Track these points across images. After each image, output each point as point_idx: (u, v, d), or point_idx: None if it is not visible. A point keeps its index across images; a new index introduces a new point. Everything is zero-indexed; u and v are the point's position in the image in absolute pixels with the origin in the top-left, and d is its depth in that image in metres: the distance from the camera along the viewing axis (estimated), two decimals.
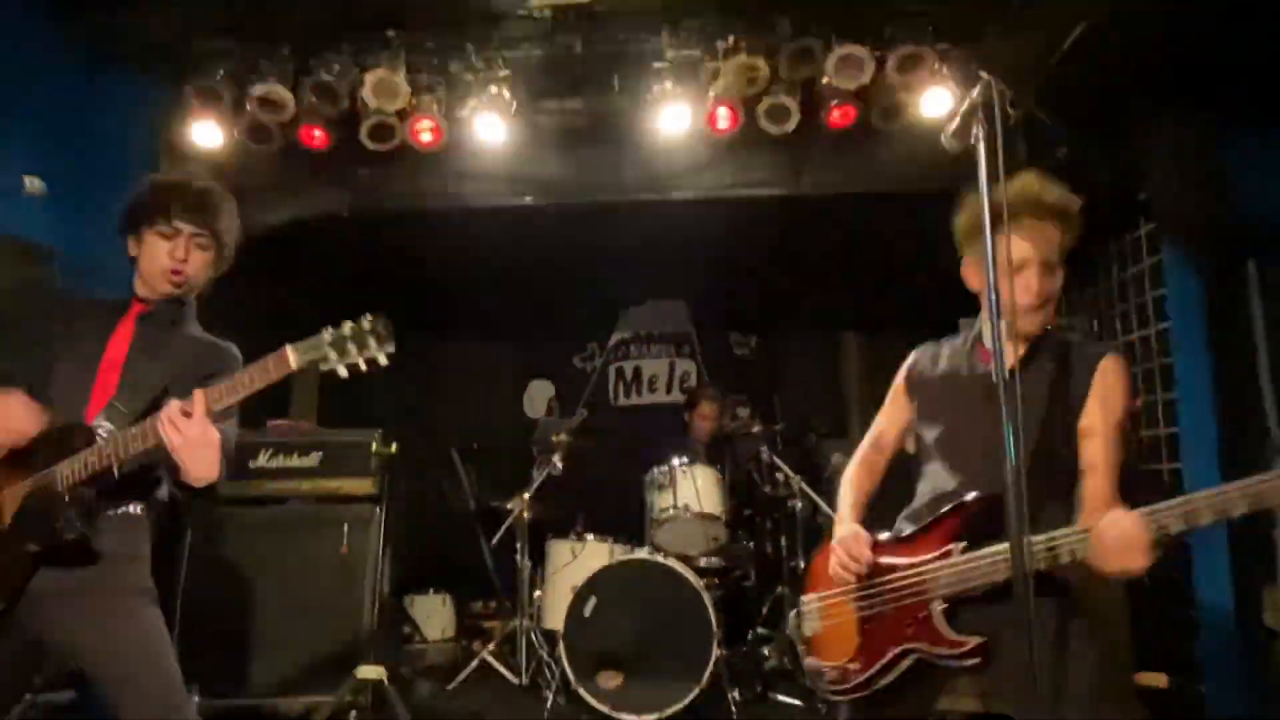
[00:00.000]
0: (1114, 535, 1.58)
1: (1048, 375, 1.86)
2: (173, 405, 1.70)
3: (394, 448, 3.91)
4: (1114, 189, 3.92)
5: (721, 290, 5.95)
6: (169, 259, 1.99)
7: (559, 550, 4.21)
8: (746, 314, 6.27)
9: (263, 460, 3.91)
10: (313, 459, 3.91)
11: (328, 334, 1.60)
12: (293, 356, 1.62)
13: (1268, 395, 3.42)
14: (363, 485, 3.84)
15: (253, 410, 4.12)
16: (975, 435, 1.87)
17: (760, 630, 4.37)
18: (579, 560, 4.08)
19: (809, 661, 1.99)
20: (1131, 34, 3.24)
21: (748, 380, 6.09)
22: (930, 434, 2.00)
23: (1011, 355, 1.88)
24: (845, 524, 2.05)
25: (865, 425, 2.21)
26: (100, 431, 1.79)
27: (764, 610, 4.52)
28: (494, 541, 4.52)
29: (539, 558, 4.33)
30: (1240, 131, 3.44)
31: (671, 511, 4.02)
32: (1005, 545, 1.64)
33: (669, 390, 6.43)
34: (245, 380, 1.70)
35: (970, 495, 1.85)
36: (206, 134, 3.83)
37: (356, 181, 4.17)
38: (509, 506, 4.41)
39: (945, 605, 1.81)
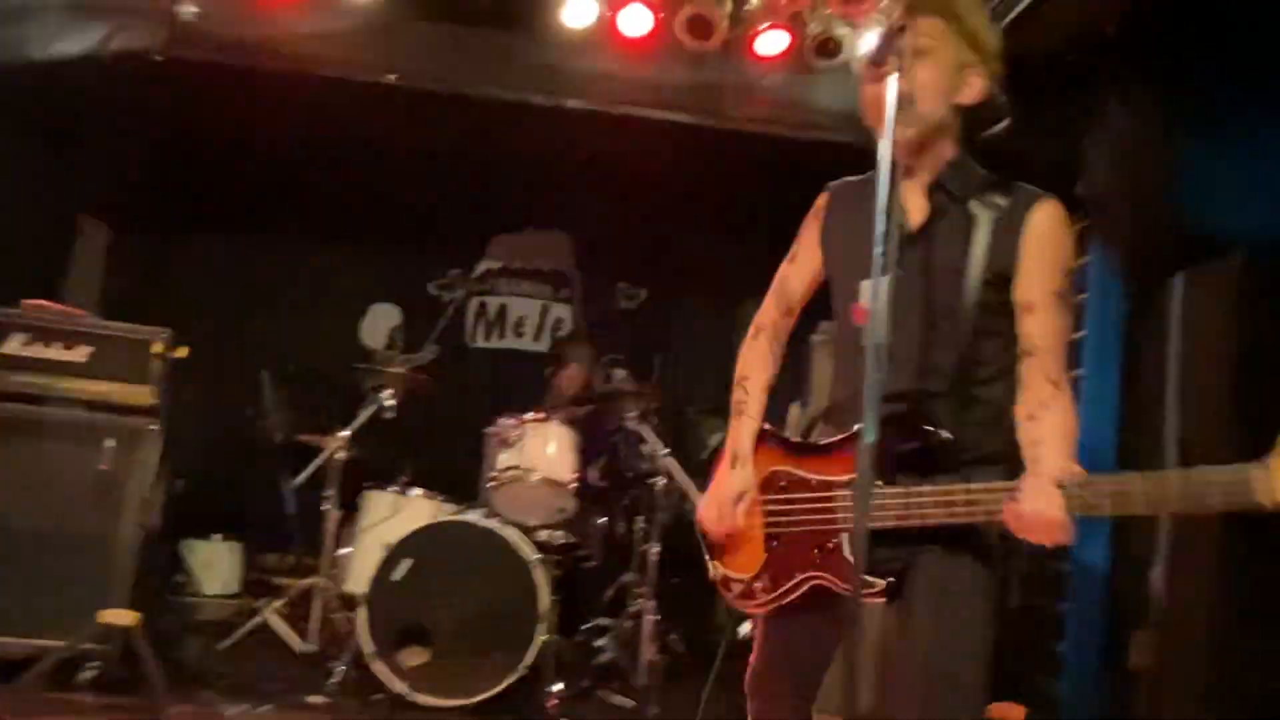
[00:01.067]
0: (1031, 512, 1.62)
1: (962, 233, 1.83)
2: None
3: (183, 352, 3.82)
4: (1049, 176, 4.21)
5: (614, 229, 6.03)
6: None
7: (376, 502, 4.22)
8: (640, 262, 6.38)
9: (14, 346, 3.75)
10: (79, 354, 3.78)
11: None
12: None
13: (1170, 420, 3.78)
14: (138, 394, 3.75)
15: (7, 289, 3.98)
16: (904, 311, 1.83)
17: (600, 620, 4.52)
18: (398, 517, 4.10)
19: (714, 568, 2.04)
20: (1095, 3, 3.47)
21: (630, 338, 6.21)
22: (849, 305, 1.96)
23: (917, 209, 1.89)
24: (738, 458, 1.99)
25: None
26: None
27: (606, 597, 4.67)
28: (297, 482, 4.49)
29: (351, 509, 4.33)
30: (1194, 131, 3.73)
31: (514, 472, 4.07)
32: (927, 490, 1.73)
33: (537, 336, 6.49)
34: None
35: (890, 409, 1.78)
36: None
37: (177, 16, 4.00)
38: (322, 444, 4.38)
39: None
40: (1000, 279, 1.83)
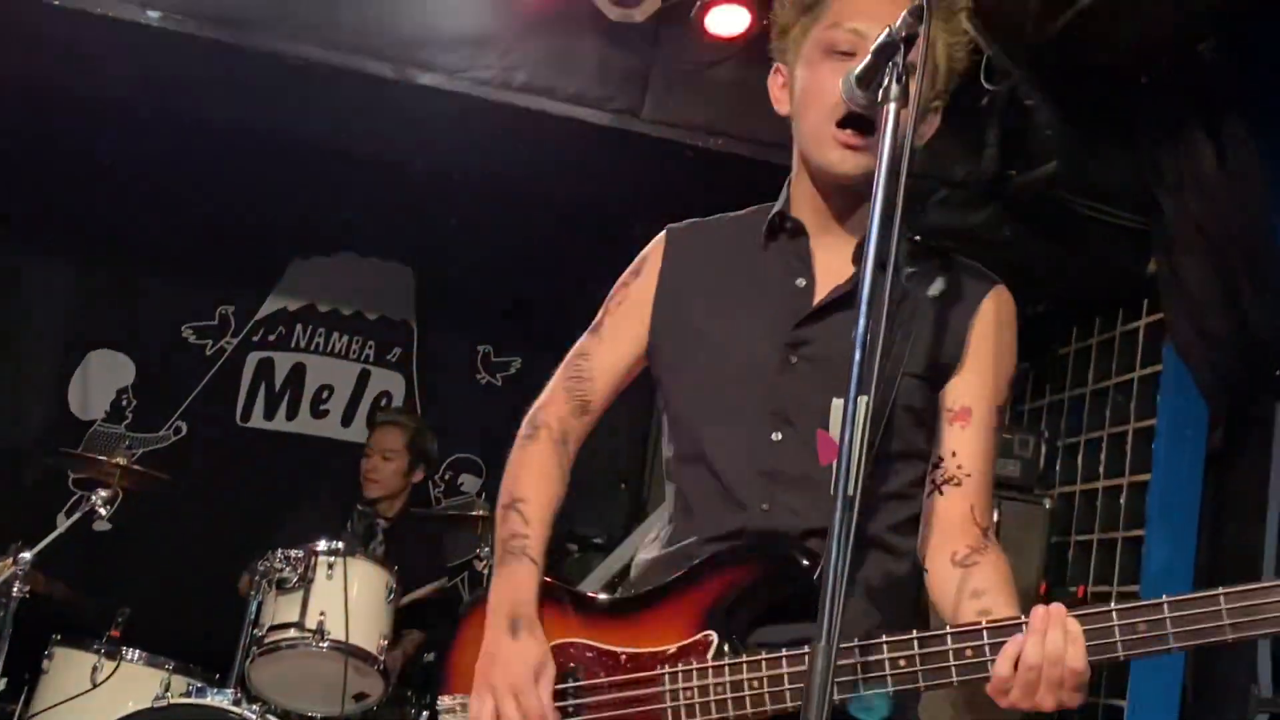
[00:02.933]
0: (1054, 653, 1.63)
1: (893, 310, 1.83)
2: None
3: None
4: (1109, 242, 4.40)
5: (478, 264, 6.03)
6: None
7: (68, 667, 4.14)
8: (515, 315, 6.40)
9: None
10: None
11: None
12: None
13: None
14: None
15: None
16: (769, 413, 1.92)
17: None
18: (103, 690, 4.03)
19: None
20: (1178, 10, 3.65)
21: (493, 428, 6.17)
22: (681, 400, 2.04)
23: (835, 266, 1.97)
24: (520, 622, 1.96)
25: None
26: None
27: None
28: None
29: (28, 676, 4.24)
30: None
31: (291, 634, 4.00)
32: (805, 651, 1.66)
33: (348, 417, 6.43)
34: None
35: (734, 540, 1.89)
36: None
37: None
38: None
39: None
40: (937, 377, 1.94)
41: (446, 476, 6.32)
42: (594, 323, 2.15)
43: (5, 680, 4.19)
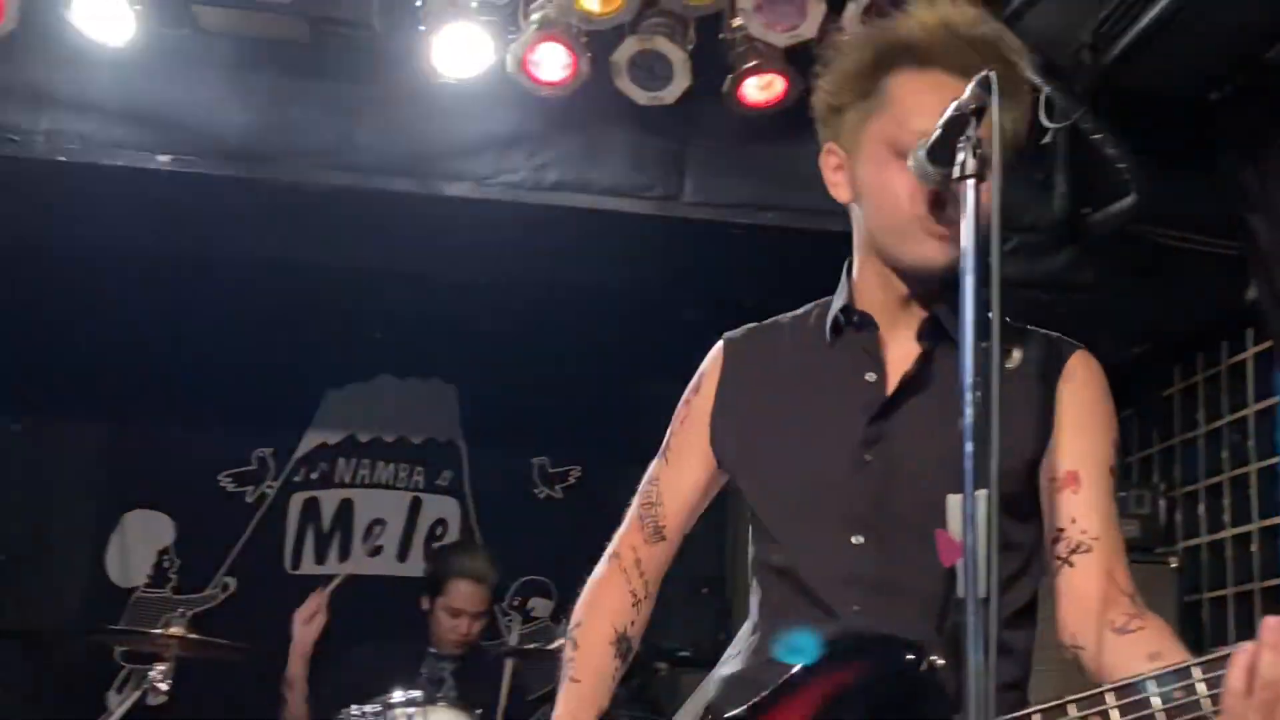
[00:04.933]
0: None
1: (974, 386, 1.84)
2: None
3: None
4: (1201, 272, 4.41)
5: (523, 371, 6.09)
6: None
7: None
8: (568, 422, 6.41)
9: None
10: None
11: None
12: None
13: None
14: None
15: None
16: (849, 518, 1.96)
17: None
18: None
19: None
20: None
21: (556, 546, 6.20)
22: (760, 508, 2.09)
23: (904, 354, 2.02)
24: None
25: None
26: None
27: None
28: None
29: None
30: None
31: None
32: None
33: (404, 551, 6.47)
34: None
35: (835, 647, 1.91)
36: None
37: None
38: None
39: None
40: (1033, 454, 1.97)
41: (516, 602, 6.34)
42: (663, 445, 2.24)
43: None
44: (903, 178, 1.90)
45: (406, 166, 4.28)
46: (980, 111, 1.74)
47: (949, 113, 1.77)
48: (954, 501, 1.87)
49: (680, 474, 2.20)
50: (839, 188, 2.08)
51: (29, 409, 6.09)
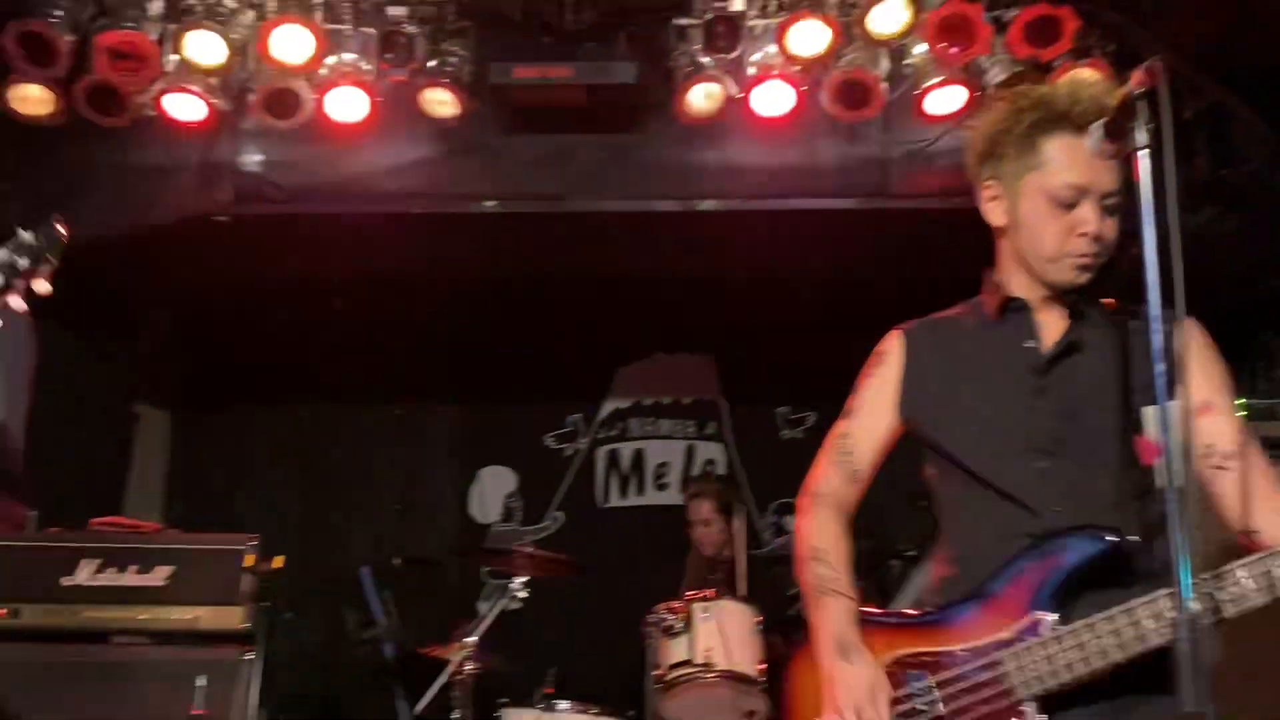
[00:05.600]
0: None
1: (1113, 352, 2.00)
2: None
3: (278, 562, 3.96)
4: None
5: (766, 343, 6.06)
6: None
7: None
8: (801, 378, 6.35)
9: (82, 576, 3.96)
10: (157, 576, 3.96)
11: None
12: None
13: None
14: (229, 617, 3.88)
15: (70, 504, 4.25)
16: (1032, 448, 1.97)
17: None
18: None
19: None
20: None
21: (800, 475, 6.14)
22: (954, 451, 2.07)
23: (1053, 328, 2.05)
24: (848, 647, 1.99)
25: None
26: None
27: None
28: (420, 708, 4.53)
29: None
30: None
31: (687, 669, 4.04)
32: (1145, 600, 1.76)
33: (686, 485, 6.49)
34: None
35: (1051, 531, 1.91)
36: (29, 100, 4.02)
37: (239, 171, 4.33)
38: (446, 655, 4.43)
39: (1039, 711, 1.85)
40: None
41: (772, 520, 6.31)
42: (845, 410, 2.23)
43: None
44: (1056, 224, 1.98)
45: (668, 191, 4.29)
46: (1145, 95, 1.72)
47: (1121, 94, 1.75)
48: (1149, 412, 1.88)
49: (870, 428, 2.19)
50: (994, 214, 2.10)
51: (403, 396, 6.33)
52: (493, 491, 6.45)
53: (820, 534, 2.15)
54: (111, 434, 5.75)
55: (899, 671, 1.97)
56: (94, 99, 4.03)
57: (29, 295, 1.62)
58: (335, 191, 4.40)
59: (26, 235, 1.63)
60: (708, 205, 4.29)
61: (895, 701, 1.95)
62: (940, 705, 1.93)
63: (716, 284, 5.34)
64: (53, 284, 1.66)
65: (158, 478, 6.09)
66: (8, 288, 1.61)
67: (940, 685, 1.94)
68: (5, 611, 3.87)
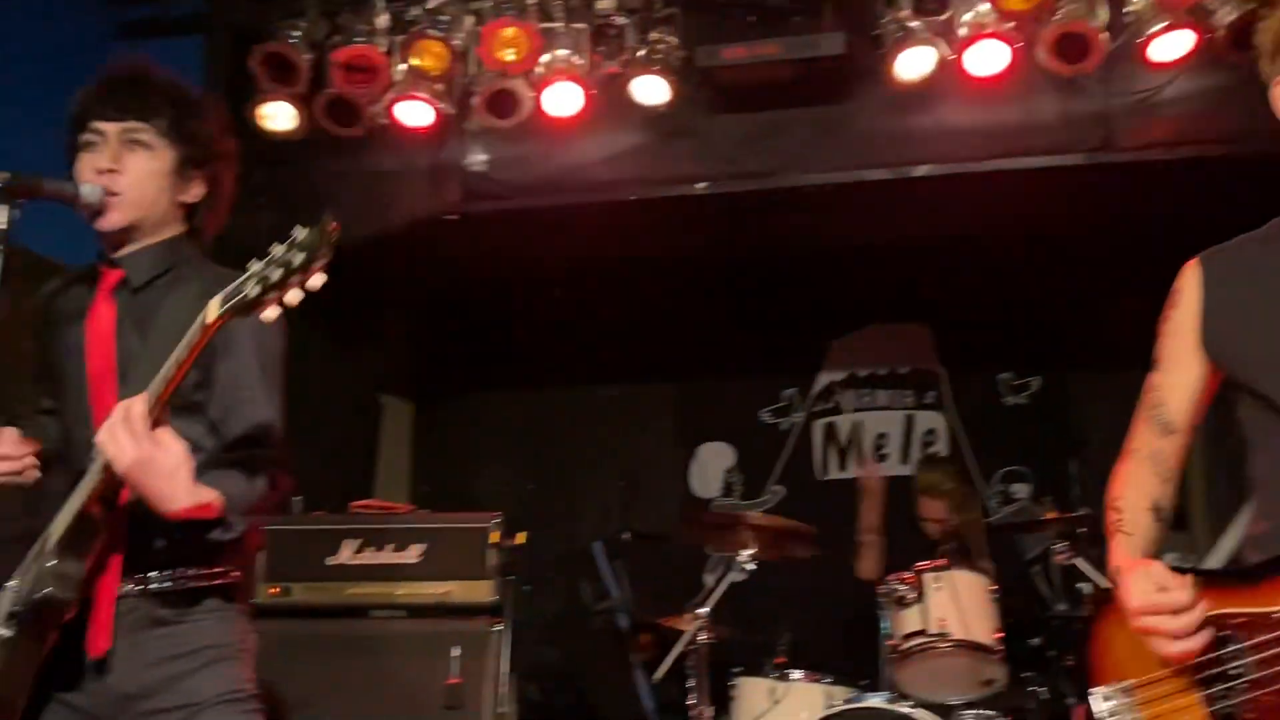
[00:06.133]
0: None
1: None
2: (116, 411, 1.87)
3: (522, 538, 4.12)
4: None
5: (984, 308, 5.88)
6: (91, 173, 2.13)
7: (752, 693, 4.26)
8: (1024, 343, 6.14)
9: (346, 555, 4.21)
10: (412, 554, 4.18)
11: (255, 266, 1.74)
12: (215, 308, 1.78)
13: None
14: (479, 590, 4.06)
15: (327, 489, 4.53)
16: None
17: None
18: (781, 708, 4.12)
19: None
20: None
21: (1027, 443, 5.94)
22: (1270, 391, 1.87)
23: None
24: (1135, 569, 1.91)
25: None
26: (92, 456, 1.98)
27: None
28: (657, 676, 4.61)
29: (722, 701, 4.39)
30: None
31: (921, 639, 3.99)
32: None
33: (905, 456, 6.38)
34: (175, 361, 1.85)
35: None
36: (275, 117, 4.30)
37: (465, 171, 4.51)
38: (679, 626, 4.50)
39: None
40: None
41: (999, 489, 6.12)
42: (1153, 357, 2.08)
43: (712, 711, 4.36)
44: None
45: (879, 159, 4.21)
46: None
47: None
48: None
49: (1177, 377, 2.04)
50: None
51: (616, 377, 6.45)
52: (712, 467, 6.50)
53: (1119, 484, 2.09)
54: (361, 424, 6.10)
55: (1210, 632, 1.84)
56: (332, 111, 4.30)
57: (303, 286, 1.69)
58: (553, 184, 4.51)
59: (301, 232, 1.69)
60: (922, 171, 4.19)
61: (1204, 665, 1.84)
62: (1252, 670, 1.81)
63: (931, 251, 5.22)
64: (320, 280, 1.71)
65: (403, 462, 6.43)
66: (285, 284, 1.68)
67: (1253, 649, 1.81)
68: (277, 589, 4.18)
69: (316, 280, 1.69)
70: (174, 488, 1.86)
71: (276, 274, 1.67)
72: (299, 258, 1.66)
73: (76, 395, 2.14)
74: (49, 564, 1.98)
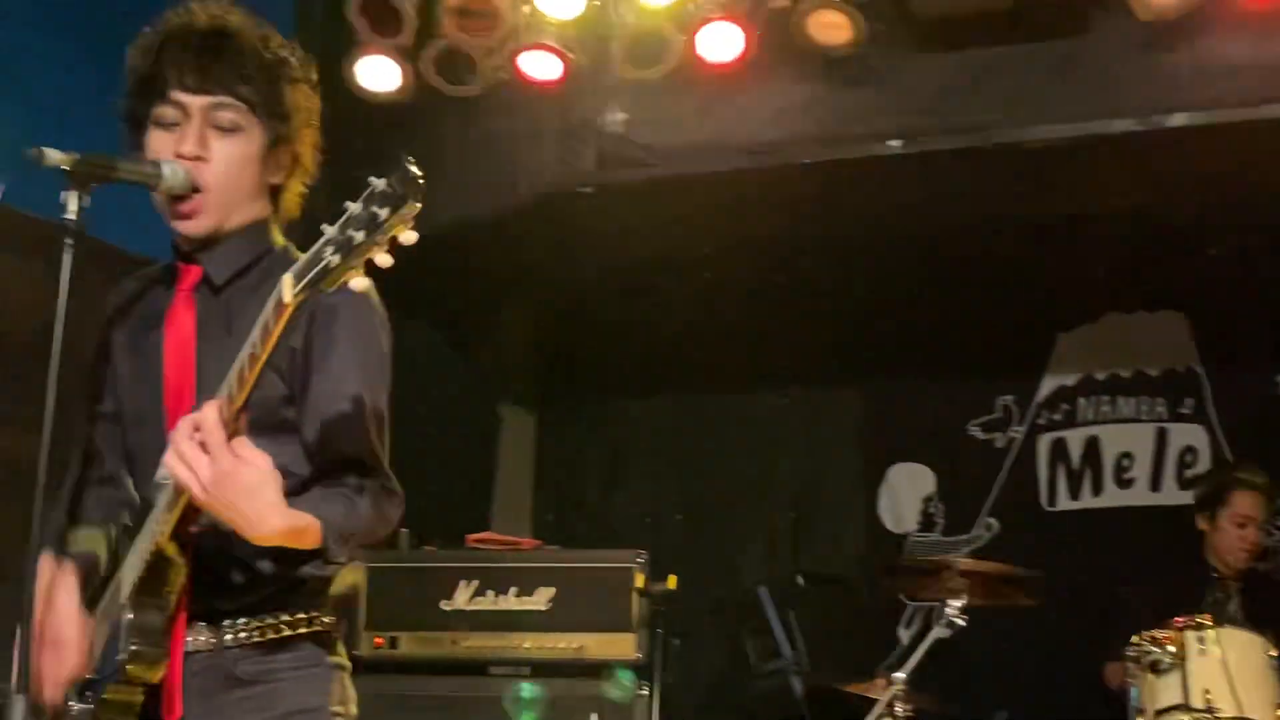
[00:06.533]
0: None
1: None
2: (182, 426, 1.90)
3: (671, 583, 4.16)
4: None
5: (1258, 290, 5.68)
6: (169, 154, 2.15)
7: None
8: None
9: (461, 599, 4.33)
10: (539, 600, 4.28)
11: (331, 231, 1.72)
12: (290, 285, 1.77)
13: None
14: (620, 645, 4.13)
15: (436, 517, 4.63)
16: None
17: None
18: None
19: None
20: None
21: None
22: None
23: None
24: None
25: None
26: (159, 486, 2.04)
27: None
28: None
29: None
30: None
31: (1182, 717, 3.95)
32: None
33: (1156, 481, 6.22)
34: (248, 356, 1.87)
35: None
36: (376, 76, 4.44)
37: (602, 134, 4.57)
38: (868, 694, 4.48)
39: None
40: None
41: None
42: None
43: None
44: None
45: (1124, 106, 4.10)
46: None
47: None
48: None
49: None
50: None
51: (793, 381, 6.45)
52: (907, 494, 6.44)
53: None
54: (476, 440, 6.26)
55: None
56: (443, 66, 4.41)
57: (393, 249, 1.71)
58: (708, 147, 4.54)
59: (380, 182, 1.70)
60: (1178, 120, 4.06)
61: None
62: None
63: (1188, 221, 5.08)
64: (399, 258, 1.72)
65: (525, 486, 6.57)
66: (370, 245, 1.70)
67: None
68: (381, 640, 4.32)
69: (408, 235, 1.70)
70: (262, 508, 1.88)
71: (359, 234, 1.69)
72: (383, 212, 1.67)
73: (150, 414, 2.19)
74: (126, 618, 2.04)
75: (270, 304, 1.81)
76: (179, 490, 1.93)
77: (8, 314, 3.49)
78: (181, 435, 1.88)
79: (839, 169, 4.52)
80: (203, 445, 1.86)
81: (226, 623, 2.11)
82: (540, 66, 4.33)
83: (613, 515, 6.48)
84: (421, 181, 1.66)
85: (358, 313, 2.18)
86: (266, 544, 1.94)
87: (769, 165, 4.50)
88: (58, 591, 2.14)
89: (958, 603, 4.37)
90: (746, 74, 4.26)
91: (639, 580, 4.16)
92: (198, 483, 1.86)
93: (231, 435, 1.88)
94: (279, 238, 2.31)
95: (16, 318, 3.45)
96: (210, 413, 1.87)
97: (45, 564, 2.14)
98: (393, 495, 2.15)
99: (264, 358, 1.85)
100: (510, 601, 4.31)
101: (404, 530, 4.57)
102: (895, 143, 4.30)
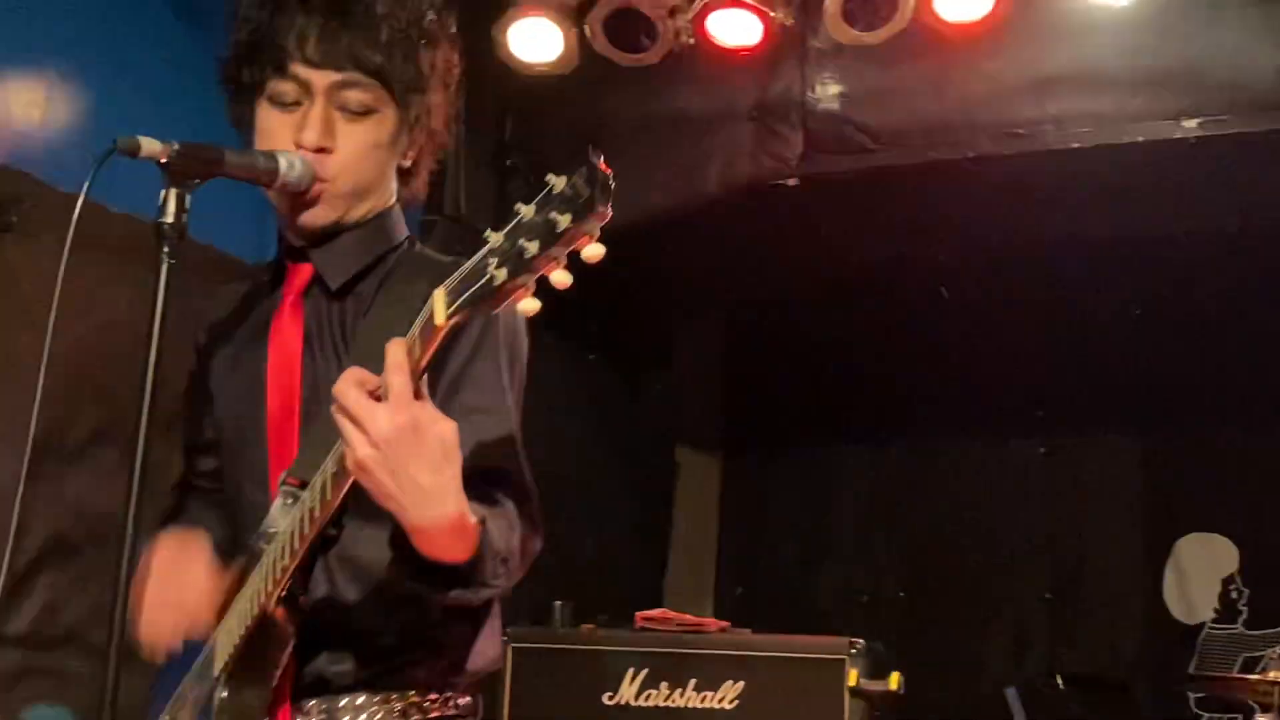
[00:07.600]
0: None
1: None
2: (347, 375, 1.84)
3: (894, 682, 4.12)
4: None
5: None
6: (288, 140, 2.20)
7: None
8: None
9: (627, 692, 4.36)
10: (725, 694, 4.28)
11: (495, 238, 1.62)
12: (442, 303, 1.72)
13: None
14: None
15: (610, 591, 4.63)
16: None
17: None
18: None
19: None
20: None
21: None
22: None
23: None
24: None
25: None
26: (264, 535, 2.08)
27: None
28: None
29: None
30: None
31: None
32: None
33: None
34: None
35: None
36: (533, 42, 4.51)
37: (810, 112, 4.55)
38: None
39: None
40: None
41: None
42: None
43: None
44: None
45: None
46: None
47: None
48: None
49: None
50: None
51: (1054, 429, 6.36)
52: (1201, 573, 6.27)
53: None
54: (647, 491, 6.28)
55: None
56: (615, 31, 4.43)
57: (572, 265, 1.66)
58: (944, 129, 4.49)
59: (560, 181, 1.64)
60: None
61: None
62: None
63: None
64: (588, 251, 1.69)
65: (708, 549, 6.57)
66: (545, 260, 1.65)
67: None
68: None
69: (593, 250, 1.65)
70: (446, 481, 1.82)
71: (532, 245, 1.64)
72: (563, 219, 1.61)
73: (251, 442, 2.25)
74: (221, 695, 2.09)
75: (417, 326, 1.78)
76: (302, 536, 1.93)
77: (98, 329, 3.60)
78: (347, 382, 1.82)
79: (1120, 154, 4.37)
80: (385, 391, 1.79)
81: (345, 700, 2.13)
82: (734, 29, 4.35)
83: (818, 591, 6.45)
84: (613, 184, 1.58)
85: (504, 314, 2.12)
86: (426, 537, 1.86)
87: (1025, 153, 4.41)
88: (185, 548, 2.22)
89: (1269, 718, 4.28)
90: (998, 35, 4.21)
91: (852, 677, 4.13)
92: (367, 439, 1.78)
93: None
94: (403, 228, 2.36)
95: (107, 333, 3.56)
96: (398, 351, 1.79)
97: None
98: (538, 531, 2.11)
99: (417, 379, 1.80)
100: (689, 698, 4.33)
101: (558, 603, 4.63)
102: (1192, 123, 4.16)
